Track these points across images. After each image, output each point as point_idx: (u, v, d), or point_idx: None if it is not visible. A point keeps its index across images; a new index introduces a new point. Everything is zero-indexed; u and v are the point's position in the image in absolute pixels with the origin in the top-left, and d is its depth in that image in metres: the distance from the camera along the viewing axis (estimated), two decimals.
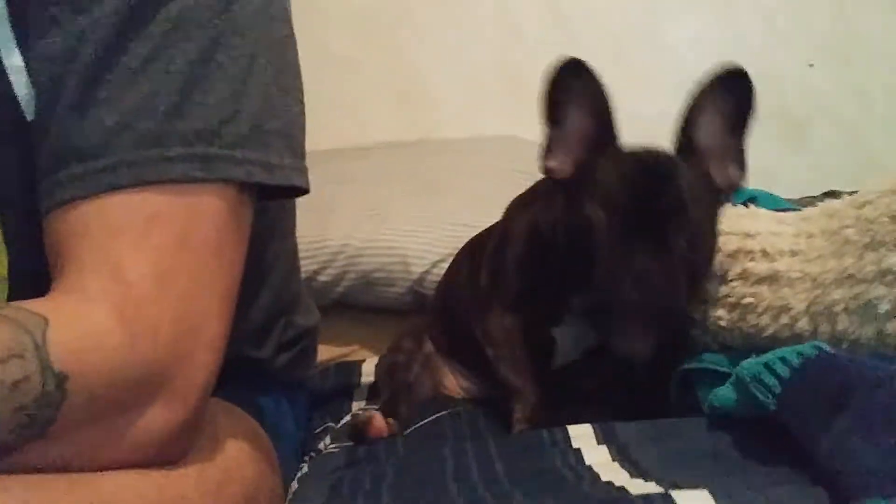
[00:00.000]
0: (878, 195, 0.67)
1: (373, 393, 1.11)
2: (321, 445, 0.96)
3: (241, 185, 0.61)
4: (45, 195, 0.58)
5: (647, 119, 1.98)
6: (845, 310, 0.65)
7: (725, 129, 0.77)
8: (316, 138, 1.66)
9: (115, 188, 0.56)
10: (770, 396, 0.58)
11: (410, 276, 1.38)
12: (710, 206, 0.76)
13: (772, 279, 0.72)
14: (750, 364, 0.62)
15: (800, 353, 0.60)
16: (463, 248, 1.14)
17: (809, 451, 0.53)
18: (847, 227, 0.67)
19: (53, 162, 0.57)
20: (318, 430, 1.02)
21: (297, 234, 0.97)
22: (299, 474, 0.87)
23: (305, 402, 1.03)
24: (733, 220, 0.82)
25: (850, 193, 1.45)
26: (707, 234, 0.75)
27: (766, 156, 2.00)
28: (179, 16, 0.58)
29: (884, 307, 0.62)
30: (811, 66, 2.01)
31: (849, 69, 2.01)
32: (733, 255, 0.78)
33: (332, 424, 1.01)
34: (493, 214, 1.21)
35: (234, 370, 0.81)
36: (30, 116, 0.60)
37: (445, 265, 1.34)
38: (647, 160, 0.75)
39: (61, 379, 0.49)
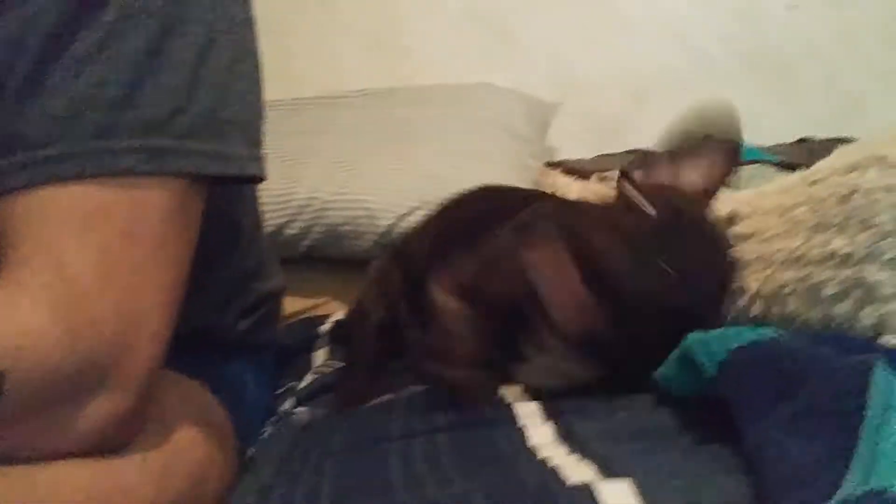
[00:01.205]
0: (828, 173, 0.66)
1: (334, 338, 1.11)
2: (286, 406, 0.96)
3: (192, 176, 0.60)
4: None
5: (630, 65, 1.98)
6: (794, 292, 0.64)
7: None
8: (287, 85, 1.66)
9: (59, 179, 0.55)
10: (713, 364, 0.56)
11: (377, 229, 1.37)
12: None
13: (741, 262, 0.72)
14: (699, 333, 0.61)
15: (756, 331, 0.59)
16: None
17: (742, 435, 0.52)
18: (798, 205, 0.67)
19: None
20: (281, 391, 1.02)
21: (265, 186, 0.95)
22: (261, 438, 0.87)
23: (271, 364, 1.03)
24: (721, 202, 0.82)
25: (825, 141, 1.45)
26: None
27: (746, 99, 1.98)
28: (130, 3, 0.56)
29: (829, 291, 0.62)
30: (791, 7, 1.98)
31: (833, 10, 1.97)
32: None
33: (295, 383, 1.02)
34: (462, 166, 1.20)
35: (195, 339, 0.82)
36: None
37: (413, 219, 1.34)
38: None
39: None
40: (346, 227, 1.38)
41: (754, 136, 1.71)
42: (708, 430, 0.58)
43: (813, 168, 0.69)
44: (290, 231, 1.38)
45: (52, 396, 0.54)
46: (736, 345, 0.56)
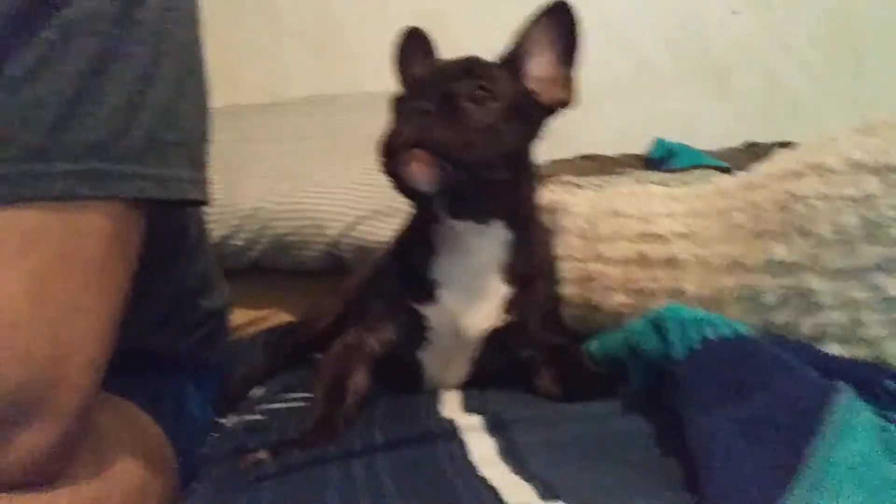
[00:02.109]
0: (766, 179, 0.66)
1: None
2: (226, 422, 0.94)
3: (131, 201, 0.58)
4: None
5: (580, 69, 1.98)
6: (735, 298, 0.65)
7: (553, 60, 0.81)
8: (230, 91, 1.63)
9: None
10: (683, 348, 0.56)
11: (325, 238, 1.35)
12: (520, 100, 0.78)
13: (668, 263, 0.72)
14: (676, 309, 0.60)
15: (729, 325, 0.58)
16: None
17: (687, 430, 0.52)
18: (737, 209, 0.67)
19: None
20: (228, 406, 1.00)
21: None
22: (200, 455, 0.85)
23: (213, 382, 1.01)
24: (628, 201, 0.82)
25: (773, 145, 1.46)
26: (513, 115, 0.75)
27: (689, 103, 2.02)
28: (72, 22, 0.54)
29: (769, 298, 0.62)
30: (734, 13, 2.00)
31: (771, 16, 2.00)
32: (633, 241, 0.78)
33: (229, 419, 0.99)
34: None
35: (132, 357, 0.80)
36: None
37: (362, 228, 1.33)
38: (457, 58, 0.80)
39: None
40: (293, 238, 1.35)
41: (697, 138, 1.75)
42: (660, 439, 0.58)
43: (751, 172, 0.70)
44: (235, 242, 1.35)
45: None
46: (710, 334, 0.56)
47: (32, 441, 0.54)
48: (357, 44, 1.99)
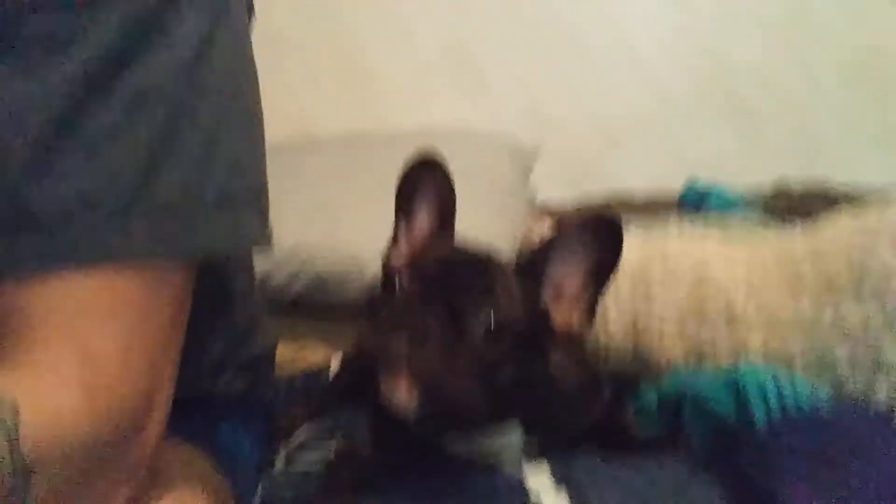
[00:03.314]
0: (835, 235, 0.67)
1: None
2: (278, 466, 0.95)
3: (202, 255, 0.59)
4: None
5: (603, 108, 2.00)
6: (804, 357, 0.65)
7: (582, 275, 0.71)
8: None
9: (76, 265, 0.53)
10: (762, 415, 0.55)
11: (365, 277, 1.35)
12: (533, 328, 0.71)
13: (729, 317, 0.72)
14: (753, 370, 0.59)
15: (809, 391, 0.57)
16: None
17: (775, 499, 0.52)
18: (804, 264, 0.67)
19: None
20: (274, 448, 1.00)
21: None
22: (255, 501, 0.86)
23: (263, 422, 1.01)
24: (681, 246, 0.82)
25: (804, 195, 1.47)
26: (521, 348, 0.69)
27: (717, 141, 2.03)
28: (143, 85, 0.55)
29: (842, 359, 0.62)
30: (763, 59, 2.01)
31: (799, 55, 2.01)
32: (689, 288, 0.78)
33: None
34: None
35: (190, 404, 0.80)
36: None
37: None
38: (472, 255, 0.73)
39: (28, 473, 0.48)
40: (334, 276, 1.36)
41: (724, 176, 1.76)
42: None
43: (819, 224, 0.70)
44: (275, 280, 1.36)
45: (68, 485, 0.52)
46: (790, 400, 0.55)
47: (116, 488, 0.56)
48: (384, 80, 2.02)
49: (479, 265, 0.71)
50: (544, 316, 0.72)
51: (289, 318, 1.37)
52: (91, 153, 0.53)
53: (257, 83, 0.66)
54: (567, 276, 0.71)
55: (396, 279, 0.72)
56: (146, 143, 0.55)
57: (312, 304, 1.41)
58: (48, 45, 0.53)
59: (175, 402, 0.68)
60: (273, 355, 1.01)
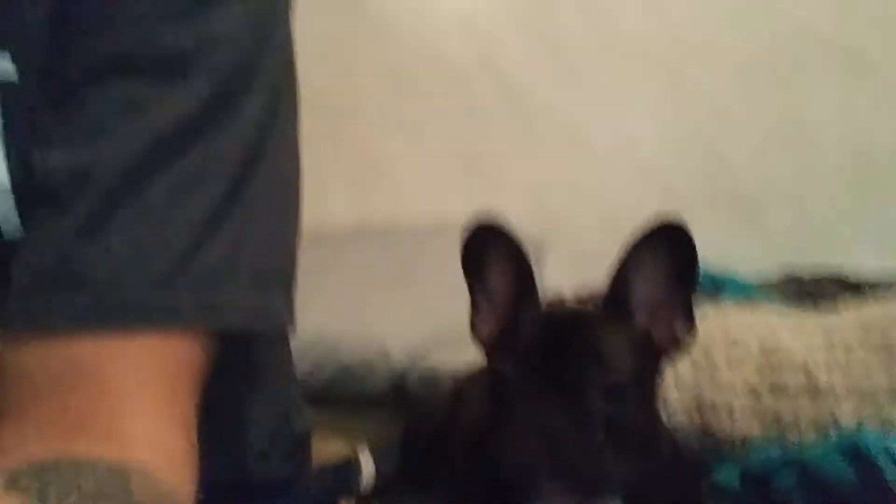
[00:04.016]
0: None
1: None
2: None
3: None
4: (22, 316, 0.52)
5: (606, 205, 2.04)
6: None
7: (667, 284, 0.72)
8: None
9: (120, 327, 0.52)
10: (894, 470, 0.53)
11: (391, 369, 1.34)
12: (643, 365, 0.70)
13: (814, 393, 0.71)
14: (875, 434, 0.57)
15: None
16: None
17: None
18: (891, 328, 0.67)
19: (40, 284, 0.52)
20: None
21: None
22: None
23: None
24: (746, 331, 0.82)
25: (814, 281, 1.48)
26: (638, 393, 0.69)
27: (720, 234, 2.06)
28: (211, 155, 0.55)
29: None
30: (763, 154, 2.07)
31: (797, 148, 2.07)
32: (760, 370, 0.78)
33: None
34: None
35: (242, 488, 0.78)
36: (7, 234, 0.56)
37: (428, 358, 1.32)
38: (565, 320, 0.72)
39: None
40: (359, 366, 1.34)
41: (729, 268, 1.78)
42: None
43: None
44: (300, 369, 1.33)
45: None
46: None
47: None
48: (395, 178, 2.04)
49: (577, 326, 0.70)
50: (648, 340, 0.71)
51: (314, 409, 1.34)
52: (148, 218, 0.53)
53: (300, 170, 0.66)
54: (653, 291, 0.71)
55: (492, 356, 0.72)
56: (201, 214, 0.55)
57: (337, 396, 1.38)
58: (125, 108, 0.54)
59: (220, 488, 0.66)
60: (311, 440, 0.99)
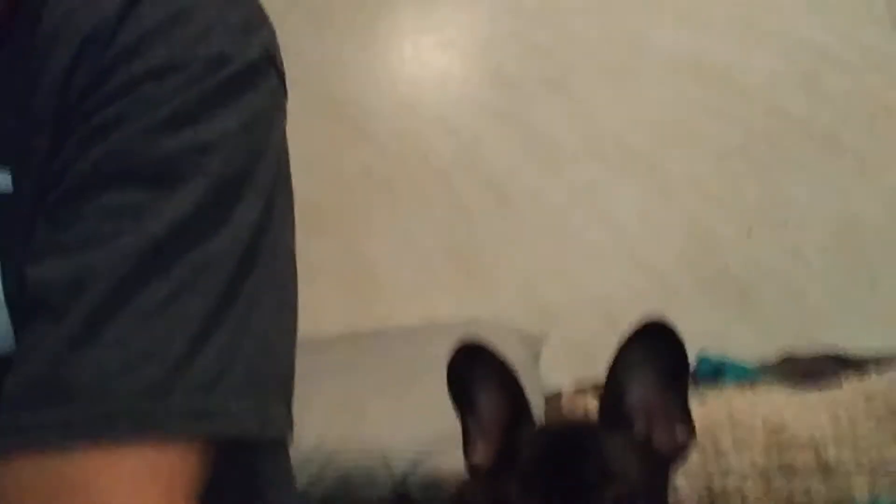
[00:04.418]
0: None
1: None
2: None
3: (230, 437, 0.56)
4: (11, 432, 0.51)
5: (599, 294, 2.04)
6: None
7: (660, 386, 0.71)
8: None
9: (110, 439, 0.50)
10: None
11: (392, 475, 1.31)
12: (649, 472, 0.69)
13: (824, 471, 0.70)
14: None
15: None
16: None
17: None
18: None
19: (30, 398, 0.51)
20: None
21: None
22: None
23: None
24: (750, 411, 0.81)
25: (812, 359, 1.48)
26: (648, 502, 0.67)
27: (713, 320, 2.06)
28: (203, 261, 0.55)
29: None
30: (749, 237, 2.09)
31: (783, 232, 2.09)
32: (767, 449, 0.76)
33: None
34: None
35: None
36: (2, 351, 0.55)
37: (430, 462, 1.30)
38: (565, 435, 0.71)
39: None
40: (359, 475, 1.31)
41: (720, 351, 1.77)
42: None
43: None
44: (300, 480, 1.30)
45: None
46: None
47: None
48: (386, 279, 2.04)
49: (578, 440, 0.69)
50: (650, 448, 0.70)
51: None
52: (141, 326, 0.52)
53: (295, 275, 0.66)
54: (648, 394, 0.70)
55: (491, 482, 0.70)
56: (195, 320, 0.54)
57: None
58: (119, 217, 0.54)
59: None
60: None
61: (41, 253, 0.54)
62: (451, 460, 1.28)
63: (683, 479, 0.84)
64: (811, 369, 0.85)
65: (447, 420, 1.24)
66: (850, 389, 0.75)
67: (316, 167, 2.03)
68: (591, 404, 1.31)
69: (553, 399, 1.61)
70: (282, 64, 0.66)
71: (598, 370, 1.82)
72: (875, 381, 0.73)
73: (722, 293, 2.08)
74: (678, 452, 0.71)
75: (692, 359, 1.56)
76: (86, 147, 0.55)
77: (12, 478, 0.51)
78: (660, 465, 0.71)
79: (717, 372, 1.59)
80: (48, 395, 0.51)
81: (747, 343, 1.95)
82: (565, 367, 1.93)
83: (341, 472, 1.32)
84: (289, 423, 0.61)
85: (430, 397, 1.38)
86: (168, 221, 0.54)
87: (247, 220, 0.58)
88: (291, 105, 0.67)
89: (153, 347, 0.52)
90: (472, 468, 0.75)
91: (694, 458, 0.85)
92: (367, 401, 1.41)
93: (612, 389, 0.71)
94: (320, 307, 1.99)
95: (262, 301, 0.59)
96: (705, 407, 0.88)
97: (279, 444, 0.87)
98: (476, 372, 0.75)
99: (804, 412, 0.76)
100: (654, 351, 0.69)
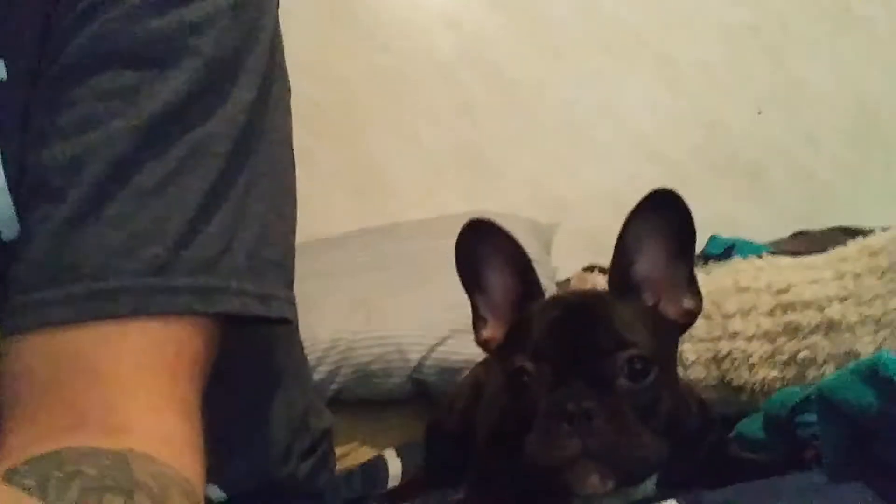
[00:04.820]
0: None
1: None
2: None
3: (231, 316, 0.58)
4: (19, 313, 0.52)
5: (608, 186, 2.03)
6: None
7: (668, 256, 0.71)
8: None
9: (115, 316, 0.52)
10: None
11: (408, 363, 1.33)
12: (658, 339, 0.69)
13: (828, 328, 0.70)
14: (891, 358, 0.56)
15: None
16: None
17: None
18: None
19: (35, 278, 0.53)
20: None
21: None
22: None
23: None
24: (754, 276, 0.81)
25: (824, 231, 1.47)
26: (660, 368, 0.67)
27: (725, 205, 2.06)
28: (200, 142, 0.56)
29: None
30: (759, 113, 2.06)
31: (797, 113, 2.06)
32: (773, 313, 0.77)
33: None
34: None
35: (265, 489, 0.77)
36: (7, 237, 0.56)
37: (444, 348, 1.32)
38: (576, 305, 0.72)
39: None
40: (376, 366, 1.33)
41: (737, 236, 1.77)
42: None
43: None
44: (316, 376, 1.33)
45: None
46: None
47: None
48: (394, 179, 2.04)
49: (588, 309, 0.70)
50: (658, 315, 0.71)
51: (337, 413, 1.33)
52: (140, 205, 0.54)
53: (293, 162, 0.67)
54: (656, 265, 0.71)
55: (504, 357, 0.71)
56: (193, 200, 0.55)
57: (358, 398, 1.38)
58: (115, 98, 0.54)
59: (251, 493, 0.64)
60: (332, 439, 0.98)
61: (39, 138, 0.55)
62: (464, 347, 1.31)
63: (690, 345, 0.85)
64: (822, 241, 0.84)
65: (461, 310, 1.26)
66: (854, 247, 0.75)
67: (318, 68, 2.00)
68: (600, 281, 1.32)
69: (563, 284, 1.62)
70: None
71: (610, 259, 1.84)
72: (879, 236, 0.72)
73: (734, 178, 2.07)
74: (685, 320, 0.72)
75: (704, 244, 1.58)
76: (75, 31, 0.55)
77: (20, 356, 0.52)
78: (668, 331, 0.72)
79: (727, 251, 1.58)
80: (51, 275, 0.52)
81: (760, 227, 1.94)
82: (576, 257, 1.94)
83: (357, 365, 1.34)
84: (290, 303, 0.63)
85: (444, 288, 1.40)
86: (162, 102, 0.54)
87: (242, 103, 0.58)
88: (292, 5, 0.67)
89: (153, 226, 0.53)
90: (483, 343, 0.77)
91: (700, 323, 0.85)
92: (382, 295, 1.42)
93: (621, 260, 0.72)
94: (330, 208, 2.01)
95: (260, 185, 0.60)
96: (711, 276, 0.88)
97: (292, 337, 0.89)
98: (485, 249, 0.75)
99: (809, 273, 0.76)
100: (662, 221, 0.70)
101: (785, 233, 1.87)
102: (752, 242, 1.59)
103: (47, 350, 0.52)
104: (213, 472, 0.73)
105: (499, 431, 0.80)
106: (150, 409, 0.52)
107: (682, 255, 0.71)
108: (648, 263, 0.71)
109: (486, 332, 0.76)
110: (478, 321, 0.77)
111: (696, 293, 0.72)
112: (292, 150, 0.66)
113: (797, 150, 2.06)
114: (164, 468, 0.49)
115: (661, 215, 0.69)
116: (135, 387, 0.52)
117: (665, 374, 0.68)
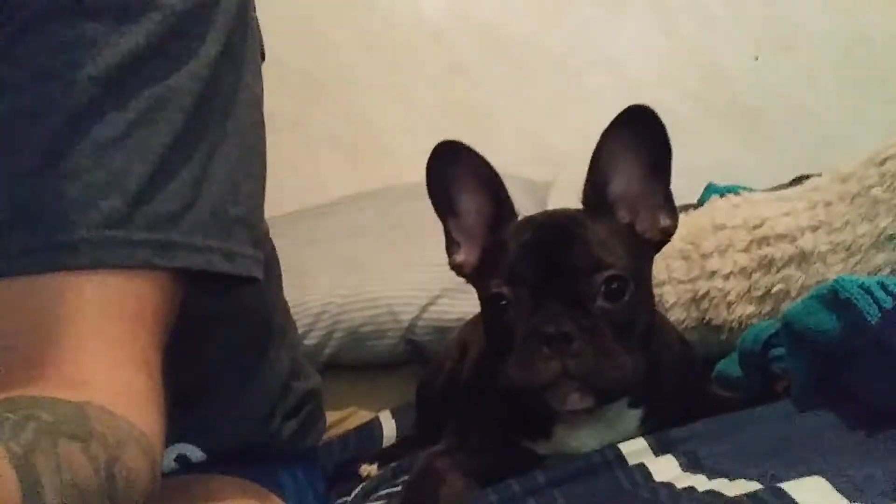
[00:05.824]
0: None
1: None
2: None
3: (194, 273, 0.57)
4: None
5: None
6: (893, 272, 0.62)
7: (644, 173, 0.70)
8: (272, 202, 1.63)
9: (74, 267, 0.52)
10: (874, 310, 0.51)
11: (400, 324, 1.33)
12: (634, 257, 0.68)
13: (800, 259, 0.69)
14: (850, 278, 0.54)
15: None
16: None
17: None
18: (872, 186, 0.65)
19: None
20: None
21: None
22: None
23: (321, 474, 0.98)
24: (731, 213, 0.80)
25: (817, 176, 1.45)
26: (636, 286, 0.67)
27: (724, 151, 2.03)
28: (162, 96, 0.55)
29: None
30: (756, 58, 2.02)
31: (793, 55, 2.02)
32: (748, 249, 0.75)
33: (346, 499, 0.96)
34: None
35: (247, 450, 0.77)
36: None
37: (435, 308, 1.32)
38: (549, 225, 0.70)
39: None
40: (368, 328, 1.33)
41: (737, 184, 1.74)
42: (843, 429, 0.54)
43: (875, 150, 0.67)
44: (309, 341, 1.33)
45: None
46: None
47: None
48: (388, 142, 2.02)
49: (561, 228, 0.68)
50: (633, 233, 0.70)
51: (325, 380, 1.33)
52: (100, 155, 0.53)
53: (262, 123, 0.66)
54: (631, 182, 0.70)
55: (480, 281, 0.70)
56: (155, 153, 0.54)
57: (347, 364, 1.38)
58: (74, 49, 0.53)
59: (232, 454, 0.66)
60: (319, 399, 0.98)
61: None
62: (456, 306, 1.30)
63: (669, 287, 0.84)
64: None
65: (447, 270, 1.26)
66: (826, 176, 0.73)
67: (305, 35, 1.98)
68: None
69: None
70: None
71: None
72: (850, 163, 0.70)
73: (732, 123, 2.03)
74: (661, 237, 0.71)
75: (701, 192, 1.54)
76: None
77: None
78: (643, 250, 0.71)
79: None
80: (10, 227, 0.52)
81: (760, 173, 1.91)
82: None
83: (349, 328, 1.34)
84: (257, 261, 0.62)
85: (434, 248, 1.39)
86: (122, 54, 0.54)
87: (206, 58, 0.58)
88: None
89: (112, 178, 0.53)
90: (457, 267, 0.76)
91: (679, 265, 0.84)
92: (373, 258, 1.42)
93: (596, 177, 0.71)
94: (326, 174, 1.99)
95: (227, 143, 0.59)
96: (690, 215, 0.86)
97: (271, 295, 0.88)
98: (456, 170, 0.74)
99: (783, 205, 0.74)
100: (637, 137, 0.69)
101: (785, 178, 1.85)
102: (750, 189, 1.57)
103: (4, 301, 0.52)
104: (193, 433, 0.74)
105: (481, 365, 0.80)
106: (108, 362, 0.52)
107: (657, 172, 0.70)
108: (624, 181, 0.70)
109: (460, 257, 0.76)
110: (451, 245, 0.76)
111: (672, 210, 0.71)
112: (262, 111, 0.65)
113: (796, 91, 2.02)
114: (121, 421, 0.49)
115: (636, 132, 0.68)
116: (94, 340, 0.51)
117: (641, 291, 0.68)
